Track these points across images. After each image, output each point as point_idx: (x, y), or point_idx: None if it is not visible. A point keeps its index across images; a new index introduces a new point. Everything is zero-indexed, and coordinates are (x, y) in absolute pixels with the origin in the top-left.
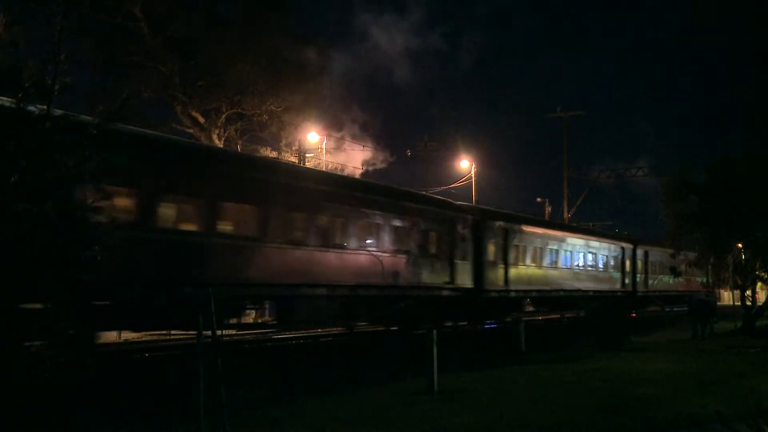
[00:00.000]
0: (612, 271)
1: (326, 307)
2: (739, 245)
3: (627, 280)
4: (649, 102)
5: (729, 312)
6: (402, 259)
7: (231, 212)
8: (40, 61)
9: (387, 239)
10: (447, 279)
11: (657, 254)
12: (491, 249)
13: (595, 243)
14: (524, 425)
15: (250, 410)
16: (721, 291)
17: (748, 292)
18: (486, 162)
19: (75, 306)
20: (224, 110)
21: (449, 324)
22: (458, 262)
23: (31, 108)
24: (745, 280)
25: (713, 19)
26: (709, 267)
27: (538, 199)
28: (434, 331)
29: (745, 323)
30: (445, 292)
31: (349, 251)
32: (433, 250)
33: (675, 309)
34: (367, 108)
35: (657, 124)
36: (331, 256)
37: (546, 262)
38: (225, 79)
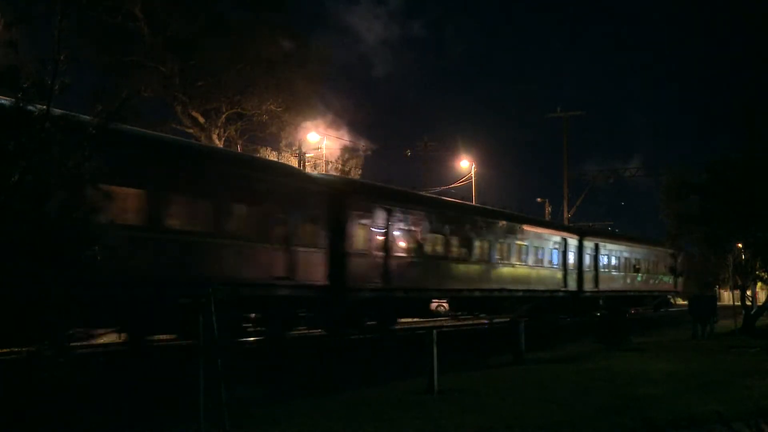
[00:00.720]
0: (549, 266)
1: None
2: (739, 245)
3: (570, 279)
4: (649, 102)
5: (729, 312)
6: (200, 243)
7: None
8: (40, 60)
9: (169, 216)
10: (282, 273)
11: (612, 249)
12: (361, 235)
13: (528, 231)
14: (524, 425)
15: (250, 410)
16: (721, 291)
17: (749, 292)
18: (486, 162)
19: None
20: (224, 110)
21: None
22: (301, 250)
23: (31, 108)
24: (745, 280)
25: (713, 18)
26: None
27: (538, 199)
28: (434, 331)
29: (745, 323)
30: (282, 291)
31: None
32: (257, 233)
33: (638, 311)
34: (365, 107)
35: (657, 123)
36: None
37: (454, 253)
38: (225, 79)
